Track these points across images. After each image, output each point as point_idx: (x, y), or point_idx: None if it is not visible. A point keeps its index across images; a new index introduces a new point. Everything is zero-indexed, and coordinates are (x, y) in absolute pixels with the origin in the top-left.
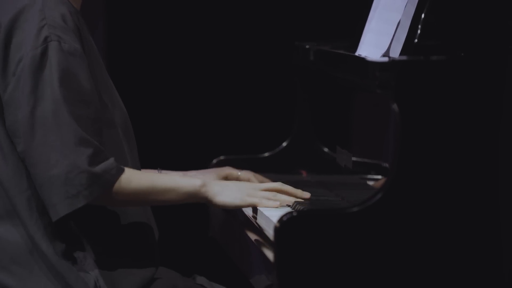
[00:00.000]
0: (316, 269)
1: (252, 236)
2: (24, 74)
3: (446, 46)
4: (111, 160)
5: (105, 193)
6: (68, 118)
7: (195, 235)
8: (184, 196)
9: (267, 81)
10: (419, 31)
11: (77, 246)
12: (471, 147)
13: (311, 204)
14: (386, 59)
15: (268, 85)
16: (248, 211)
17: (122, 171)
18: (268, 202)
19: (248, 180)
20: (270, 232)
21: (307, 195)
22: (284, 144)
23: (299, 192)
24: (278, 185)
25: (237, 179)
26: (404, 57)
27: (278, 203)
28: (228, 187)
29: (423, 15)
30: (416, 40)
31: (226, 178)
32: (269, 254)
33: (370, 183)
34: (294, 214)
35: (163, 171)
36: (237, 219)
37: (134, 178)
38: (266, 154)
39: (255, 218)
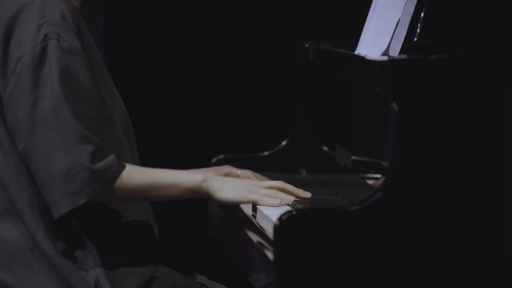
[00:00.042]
0: (316, 268)
1: (252, 235)
2: (24, 72)
3: (446, 45)
4: (112, 157)
5: (106, 190)
6: (69, 116)
7: (194, 234)
8: (185, 191)
9: (266, 80)
10: (418, 30)
11: (78, 245)
12: (470, 146)
13: (311, 203)
14: (385, 58)
15: (267, 84)
16: (248, 210)
17: (123, 167)
18: (269, 199)
19: (248, 179)
20: (269, 231)
21: (308, 195)
22: (284, 143)
23: (300, 191)
24: (279, 183)
25: (237, 177)
26: (403, 56)
27: (278, 201)
28: (229, 183)
29: (422, 14)
30: (415, 39)
31: (226, 176)
32: (269, 253)
33: (370, 182)
34: (294, 213)
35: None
36: (236, 218)
37: (135, 174)
38: (266, 153)
39: (255, 217)
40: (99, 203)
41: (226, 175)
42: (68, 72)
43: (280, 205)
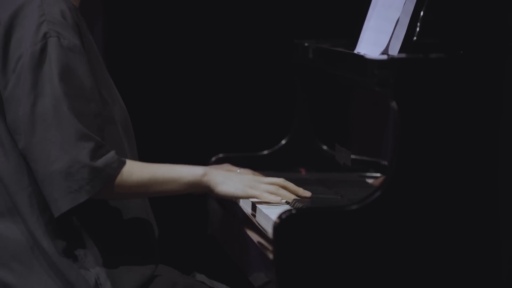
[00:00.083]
0: (315, 266)
1: (251, 234)
2: (24, 71)
3: (445, 44)
4: (112, 153)
5: (107, 186)
6: (68, 114)
7: (194, 233)
8: (186, 186)
9: (266, 79)
10: (418, 29)
11: (78, 244)
12: (470, 145)
13: (310, 202)
14: (385, 57)
15: (267, 83)
16: (247, 209)
17: (124, 163)
18: (269, 196)
19: None
20: (269, 230)
21: (308, 194)
22: (283, 142)
23: (300, 190)
24: (280, 181)
25: None
26: (403, 55)
27: (279, 198)
28: (230, 178)
29: (422, 13)
30: (415, 38)
31: None
32: (268, 251)
33: (369, 181)
34: (293, 211)
35: None
36: (236, 217)
37: (136, 170)
38: (265, 152)
39: (254, 216)
40: (99, 202)
41: None
42: (68, 70)
43: (280, 202)
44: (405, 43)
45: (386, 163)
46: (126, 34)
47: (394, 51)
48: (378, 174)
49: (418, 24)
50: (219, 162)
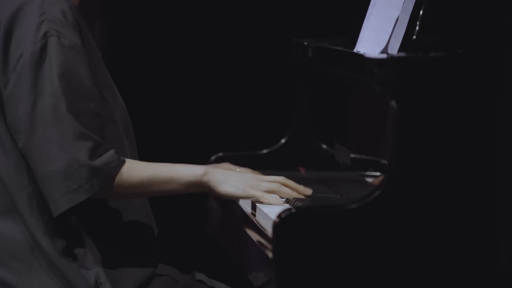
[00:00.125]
0: (314, 265)
1: (251, 233)
2: (24, 70)
3: (445, 43)
4: (111, 153)
5: (106, 186)
6: (68, 113)
7: (193, 232)
8: (186, 185)
9: (265, 78)
10: (417, 28)
11: (78, 243)
12: (469, 143)
13: (310, 201)
14: (384, 55)
15: (266, 82)
16: (247, 208)
17: (123, 163)
18: (270, 198)
19: None
20: (268, 229)
21: (309, 191)
22: (283, 141)
23: (301, 187)
24: (281, 179)
25: None
26: (402, 54)
27: (280, 200)
28: (231, 177)
29: (421, 12)
30: (414, 37)
31: None
32: (268, 250)
33: (369, 179)
34: (293, 210)
35: None
36: (235, 216)
37: (135, 170)
38: (265, 151)
39: (254, 215)
40: (99, 201)
41: None
42: (68, 69)
43: (280, 202)
44: (405, 42)
45: (385, 162)
46: (124, 33)
47: (394, 50)
48: (378, 173)
49: (418, 23)
50: (218, 161)
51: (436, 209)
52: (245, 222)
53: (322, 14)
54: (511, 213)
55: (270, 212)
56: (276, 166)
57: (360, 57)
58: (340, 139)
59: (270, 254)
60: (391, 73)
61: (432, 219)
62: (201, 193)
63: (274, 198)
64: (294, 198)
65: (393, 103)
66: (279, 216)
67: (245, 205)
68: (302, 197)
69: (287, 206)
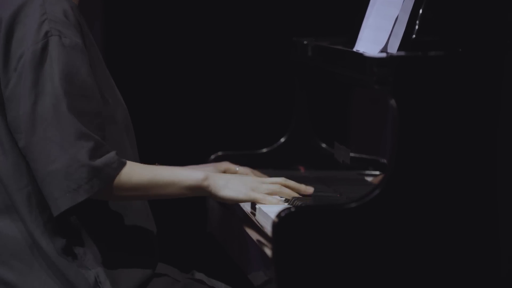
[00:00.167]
0: (314, 264)
1: (250, 232)
2: (25, 70)
3: (444, 42)
4: (112, 154)
5: (106, 187)
6: (68, 113)
7: (193, 231)
8: (186, 189)
9: (265, 77)
10: (417, 27)
11: (77, 242)
12: (469, 143)
13: (309, 200)
14: (384, 54)
15: (266, 81)
16: (247, 207)
17: (124, 164)
18: (272, 200)
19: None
20: (268, 228)
21: (310, 190)
22: (282, 140)
23: (302, 187)
24: (282, 180)
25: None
26: (402, 53)
27: (282, 203)
28: (231, 181)
29: (421, 11)
30: (414, 36)
31: (224, 172)
32: (267, 250)
33: (368, 179)
34: (292, 210)
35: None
36: (235, 215)
37: (136, 172)
38: (264, 150)
39: (254, 214)
40: (99, 201)
41: (225, 171)
42: (69, 69)
43: (281, 202)
44: (404, 41)
45: (385, 161)
46: (124, 33)
47: (393, 49)
48: (377, 172)
49: (417, 22)
50: (218, 160)
51: (435, 208)
52: (245, 221)
53: (321, 13)
54: (511, 213)
55: (269, 211)
56: (276, 165)
57: (360, 56)
58: (339, 138)
59: (269, 253)
60: (391, 72)
61: (432, 218)
62: None
63: (275, 200)
64: (293, 197)
65: (392, 102)
66: (279, 215)
67: (245, 204)
68: (300, 196)
69: (286, 205)
